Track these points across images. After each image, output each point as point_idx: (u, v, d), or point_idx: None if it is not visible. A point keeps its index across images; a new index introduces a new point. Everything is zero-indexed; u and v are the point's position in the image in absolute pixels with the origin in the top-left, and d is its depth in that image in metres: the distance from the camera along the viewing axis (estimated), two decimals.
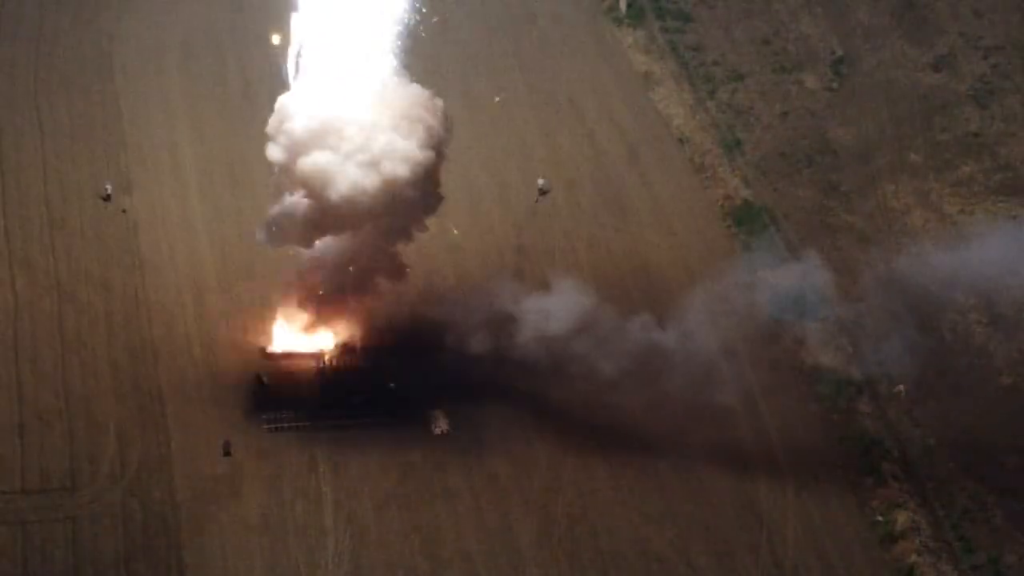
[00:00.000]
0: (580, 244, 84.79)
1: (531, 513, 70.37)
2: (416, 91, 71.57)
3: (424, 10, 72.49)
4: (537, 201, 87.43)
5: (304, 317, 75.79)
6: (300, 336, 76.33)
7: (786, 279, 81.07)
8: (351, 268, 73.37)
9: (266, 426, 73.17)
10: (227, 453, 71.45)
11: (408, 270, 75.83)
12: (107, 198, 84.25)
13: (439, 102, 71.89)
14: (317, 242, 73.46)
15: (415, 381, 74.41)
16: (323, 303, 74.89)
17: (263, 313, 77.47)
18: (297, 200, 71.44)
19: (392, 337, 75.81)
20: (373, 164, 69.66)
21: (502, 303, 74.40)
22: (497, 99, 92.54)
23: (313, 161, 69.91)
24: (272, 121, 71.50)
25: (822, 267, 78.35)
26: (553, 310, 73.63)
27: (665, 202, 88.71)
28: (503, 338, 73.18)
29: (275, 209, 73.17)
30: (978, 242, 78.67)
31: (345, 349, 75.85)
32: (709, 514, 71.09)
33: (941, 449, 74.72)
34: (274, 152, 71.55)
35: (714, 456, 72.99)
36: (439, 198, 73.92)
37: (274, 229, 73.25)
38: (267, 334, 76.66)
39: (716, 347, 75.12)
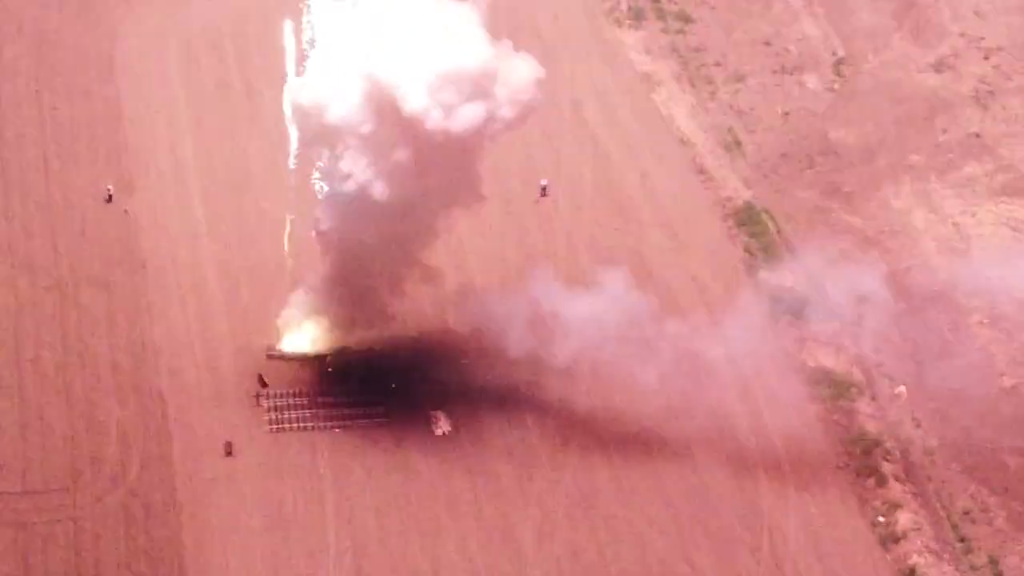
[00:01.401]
0: (581, 244, 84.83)
1: (531, 513, 70.43)
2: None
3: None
4: (538, 202, 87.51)
5: (307, 318, 75.96)
6: (302, 337, 76.41)
7: (787, 280, 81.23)
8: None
9: (268, 427, 73.24)
10: (228, 454, 71.53)
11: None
12: (109, 199, 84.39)
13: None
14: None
15: (419, 381, 74.65)
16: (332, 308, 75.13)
17: (266, 314, 77.63)
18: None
19: (400, 339, 76.01)
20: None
21: (541, 304, 73.86)
22: None
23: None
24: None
25: (823, 268, 78.33)
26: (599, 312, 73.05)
27: (666, 203, 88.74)
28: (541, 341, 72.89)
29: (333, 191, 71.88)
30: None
31: (348, 351, 76.02)
32: (709, 514, 71.14)
33: (942, 450, 74.77)
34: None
35: (714, 456, 73.08)
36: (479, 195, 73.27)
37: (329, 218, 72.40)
38: (270, 335, 76.74)
39: (718, 347, 75.11)
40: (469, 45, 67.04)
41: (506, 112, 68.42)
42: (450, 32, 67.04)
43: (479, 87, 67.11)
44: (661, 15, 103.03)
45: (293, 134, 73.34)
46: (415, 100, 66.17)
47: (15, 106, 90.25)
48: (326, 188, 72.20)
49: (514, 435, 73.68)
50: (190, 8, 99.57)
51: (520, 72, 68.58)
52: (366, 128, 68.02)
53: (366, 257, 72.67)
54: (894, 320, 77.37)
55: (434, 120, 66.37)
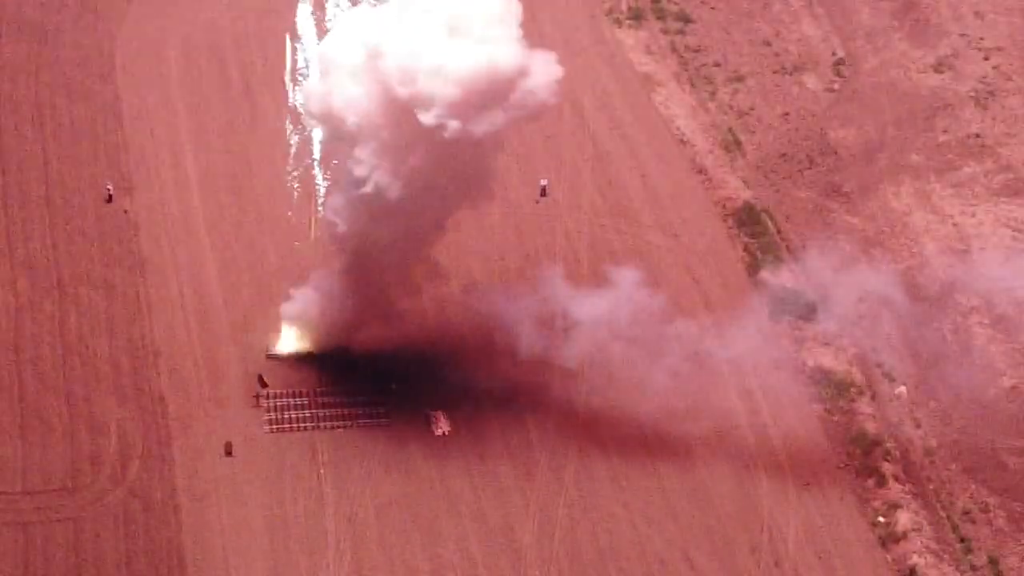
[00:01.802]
0: (581, 245, 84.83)
1: (531, 513, 70.44)
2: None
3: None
4: (538, 202, 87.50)
5: (308, 318, 75.97)
6: (302, 337, 76.40)
7: (787, 280, 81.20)
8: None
9: (267, 427, 73.23)
10: (228, 453, 71.53)
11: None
12: (109, 199, 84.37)
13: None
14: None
15: (419, 381, 74.67)
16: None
17: (266, 314, 77.61)
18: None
19: (397, 340, 76.01)
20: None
21: (546, 303, 73.78)
22: None
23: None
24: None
25: (823, 268, 78.35)
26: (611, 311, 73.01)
27: (666, 203, 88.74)
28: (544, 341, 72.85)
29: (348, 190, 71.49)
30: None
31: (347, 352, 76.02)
32: (709, 514, 71.16)
33: (942, 450, 74.77)
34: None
35: (714, 456, 73.09)
36: (490, 191, 72.98)
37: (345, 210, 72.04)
38: (270, 335, 76.75)
39: (718, 348, 75.13)
40: (501, 47, 66.73)
41: (522, 113, 68.33)
42: (483, 34, 66.77)
43: (502, 91, 66.92)
44: (661, 15, 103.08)
45: (316, 135, 72.67)
46: (433, 115, 66.13)
47: (15, 105, 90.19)
48: (339, 188, 72.08)
49: (514, 435, 73.69)
50: (190, 8, 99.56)
51: (540, 73, 68.41)
52: (383, 133, 67.95)
53: (375, 255, 72.56)
54: (894, 320, 77.39)
55: (452, 130, 66.26)
